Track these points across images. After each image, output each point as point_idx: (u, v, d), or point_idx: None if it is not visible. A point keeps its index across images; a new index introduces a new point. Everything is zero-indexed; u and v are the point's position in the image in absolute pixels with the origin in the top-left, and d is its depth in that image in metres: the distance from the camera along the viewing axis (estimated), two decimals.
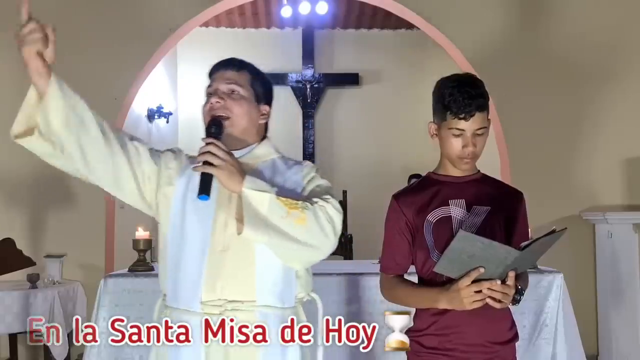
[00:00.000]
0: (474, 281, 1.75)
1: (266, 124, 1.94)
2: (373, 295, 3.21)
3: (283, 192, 1.71)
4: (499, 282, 1.73)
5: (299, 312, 1.84)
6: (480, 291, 1.74)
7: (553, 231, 1.75)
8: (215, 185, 1.69)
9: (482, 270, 1.72)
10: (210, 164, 1.65)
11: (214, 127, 1.76)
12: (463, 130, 1.87)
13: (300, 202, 1.70)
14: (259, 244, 1.70)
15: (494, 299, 1.75)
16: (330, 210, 1.71)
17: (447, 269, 1.77)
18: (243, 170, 1.69)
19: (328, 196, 1.76)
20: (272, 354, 1.74)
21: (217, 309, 1.71)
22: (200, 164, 1.66)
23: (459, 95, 1.85)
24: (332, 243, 1.71)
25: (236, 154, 1.75)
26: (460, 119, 1.85)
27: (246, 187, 1.65)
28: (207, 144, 1.68)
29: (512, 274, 1.73)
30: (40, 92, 1.68)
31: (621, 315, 4.50)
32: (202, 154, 1.66)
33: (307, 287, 1.85)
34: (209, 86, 1.87)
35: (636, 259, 4.36)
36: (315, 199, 1.73)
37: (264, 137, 1.92)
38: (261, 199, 1.65)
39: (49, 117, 1.69)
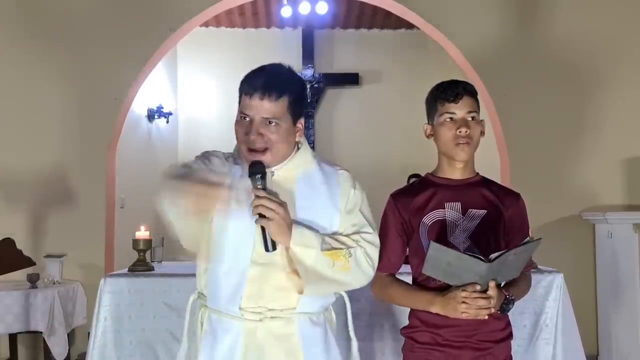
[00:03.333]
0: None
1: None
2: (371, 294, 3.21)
3: (327, 239, 1.76)
4: (478, 286, 1.77)
5: (330, 311, 1.92)
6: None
7: (527, 242, 1.79)
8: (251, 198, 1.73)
9: (478, 287, 1.77)
10: (263, 216, 1.67)
11: (256, 169, 1.72)
12: (454, 113, 1.94)
13: (344, 250, 1.76)
14: None
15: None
16: (370, 250, 1.81)
17: (432, 272, 1.83)
18: (291, 222, 1.72)
19: (369, 230, 1.84)
20: (314, 357, 1.80)
21: (257, 315, 1.77)
22: (257, 216, 1.68)
23: (447, 84, 1.96)
24: (370, 278, 1.84)
25: (272, 169, 1.80)
26: (450, 102, 1.94)
27: (293, 242, 1.70)
28: (259, 197, 1.68)
29: (492, 284, 1.77)
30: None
31: (621, 315, 4.50)
32: (256, 206, 1.68)
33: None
34: (243, 112, 1.79)
35: (636, 259, 4.35)
36: (356, 238, 1.80)
37: (298, 144, 1.90)
38: (307, 254, 1.72)
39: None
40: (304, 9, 6.61)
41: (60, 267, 4.57)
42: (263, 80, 1.79)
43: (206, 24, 6.79)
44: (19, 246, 4.25)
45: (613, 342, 4.55)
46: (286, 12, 6.72)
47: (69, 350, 4.24)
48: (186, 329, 1.95)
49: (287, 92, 1.80)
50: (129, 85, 4.88)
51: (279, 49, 7.57)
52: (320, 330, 1.83)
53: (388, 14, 5.86)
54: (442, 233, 1.92)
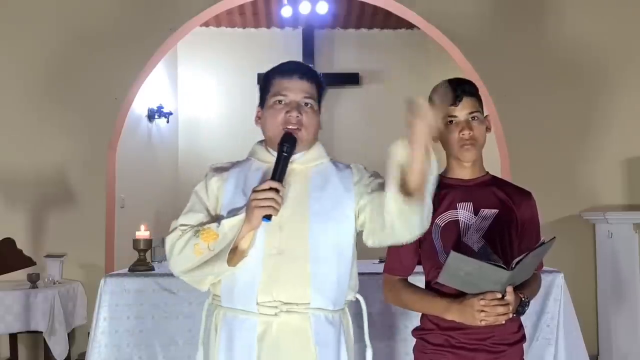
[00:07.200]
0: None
1: None
2: (373, 295, 3.20)
3: None
4: (499, 294, 1.76)
5: (346, 313, 1.90)
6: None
7: (542, 243, 1.78)
8: None
9: (498, 295, 1.76)
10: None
11: (287, 145, 1.78)
12: (455, 116, 1.94)
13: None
14: (312, 247, 1.78)
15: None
16: None
17: (449, 281, 1.81)
18: None
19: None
20: (325, 356, 1.79)
21: (272, 310, 1.76)
22: (266, 206, 1.71)
23: (445, 86, 1.94)
24: None
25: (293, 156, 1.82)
26: (450, 105, 1.93)
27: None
28: (275, 189, 1.71)
29: (510, 289, 1.77)
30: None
31: (621, 315, 4.50)
32: (270, 198, 1.70)
33: (355, 289, 1.91)
34: (281, 93, 1.85)
35: (636, 259, 4.35)
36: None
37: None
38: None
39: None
40: (304, 8, 6.61)
41: (61, 267, 4.57)
42: (298, 64, 1.91)
43: (206, 24, 6.79)
44: (19, 246, 4.25)
45: (613, 342, 4.55)
46: (286, 12, 6.72)
47: (69, 350, 4.24)
48: (202, 333, 1.93)
49: (318, 77, 1.92)
50: (129, 85, 4.88)
51: (279, 49, 7.57)
52: (335, 330, 1.82)
53: (388, 14, 5.85)
54: (455, 234, 1.91)
